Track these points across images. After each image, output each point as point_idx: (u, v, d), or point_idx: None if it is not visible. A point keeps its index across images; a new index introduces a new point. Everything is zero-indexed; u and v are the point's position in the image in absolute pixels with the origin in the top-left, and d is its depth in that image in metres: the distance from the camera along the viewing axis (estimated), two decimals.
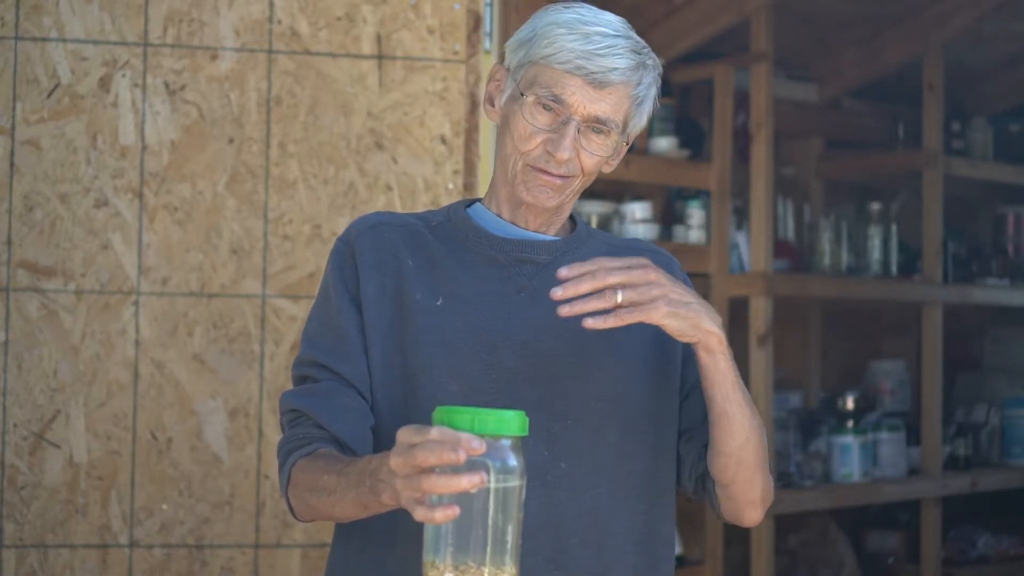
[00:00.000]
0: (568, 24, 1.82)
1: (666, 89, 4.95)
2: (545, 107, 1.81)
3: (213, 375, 2.75)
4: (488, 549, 1.52)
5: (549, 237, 1.91)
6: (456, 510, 1.48)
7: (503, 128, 1.87)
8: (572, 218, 1.98)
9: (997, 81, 5.74)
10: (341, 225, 2.78)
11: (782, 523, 4.69)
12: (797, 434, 4.79)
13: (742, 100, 4.56)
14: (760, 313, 4.41)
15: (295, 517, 1.85)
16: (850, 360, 5.61)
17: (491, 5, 2.88)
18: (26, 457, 2.69)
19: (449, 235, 1.90)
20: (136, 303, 2.73)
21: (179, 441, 2.73)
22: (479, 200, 1.96)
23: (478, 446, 1.47)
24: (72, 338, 2.71)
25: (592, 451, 1.85)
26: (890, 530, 5.37)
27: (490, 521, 1.52)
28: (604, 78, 1.79)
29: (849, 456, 4.77)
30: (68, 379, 2.71)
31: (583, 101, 1.80)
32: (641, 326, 1.83)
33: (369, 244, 1.88)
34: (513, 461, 1.53)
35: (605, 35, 1.81)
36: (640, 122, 1.88)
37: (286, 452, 1.83)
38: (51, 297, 2.71)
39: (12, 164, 2.70)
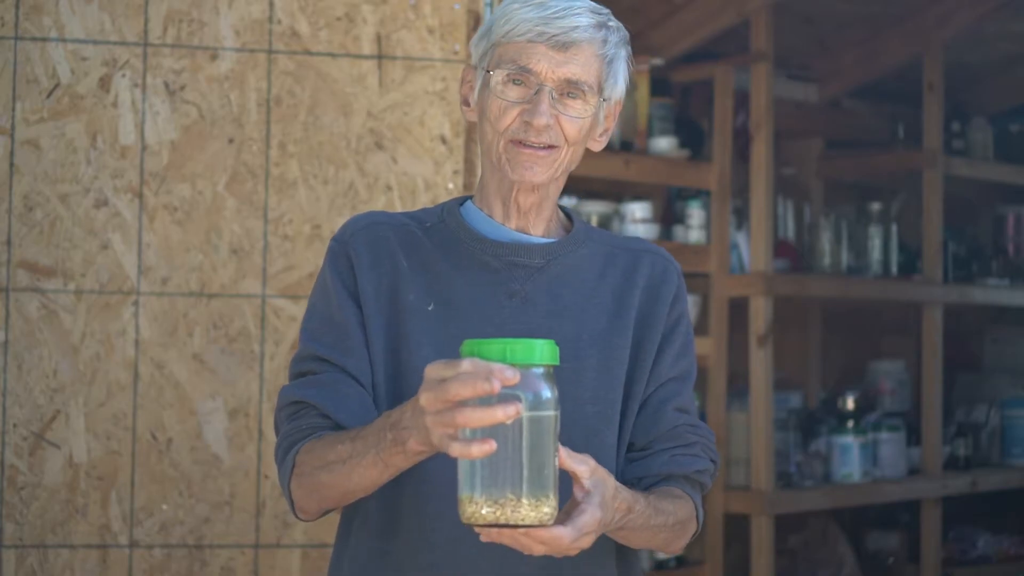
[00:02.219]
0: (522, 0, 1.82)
1: (666, 89, 4.94)
2: (515, 81, 1.80)
3: (213, 375, 2.75)
4: (525, 480, 1.50)
5: (543, 240, 1.89)
6: (493, 444, 1.45)
7: (481, 119, 1.85)
8: (571, 217, 1.96)
9: (997, 81, 5.74)
10: (341, 225, 2.78)
11: (782, 523, 4.69)
12: (797, 434, 4.79)
13: (742, 100, 4.56)
14: (760, 313, 4.41)
15: (296, 514, 1.83)
16: (850, 360, 5.61)
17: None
18: (26, 457, 2.69)
19: (442, 237, 1.89)
20: (136, 303, 2.73)
21: (179, 441, 2.73)
22: (471, 198, 1.94)
23: (512, 376, 1.45)
24: (72, 338, 2.71)
25: (588, 454, 1.84)
26: (890, 530, 5.37)
27: (525, 452, 1.49)
28: (567, 38, 1.78)
29: (849, 456, 4.77)
30: (68, 379, 2.71)
31: (550, 67, 1.78)
32: (627, 332, 1.83)
33: (364, 243, 1.87)
34: (546, 391, 1.51)
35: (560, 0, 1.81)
36: (616, 85, 1.85)
37: (288, 445, 1.80)
38: (51, 297, 2.71)
39: (12, 164, 2.70)
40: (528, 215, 1.88)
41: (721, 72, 4.48)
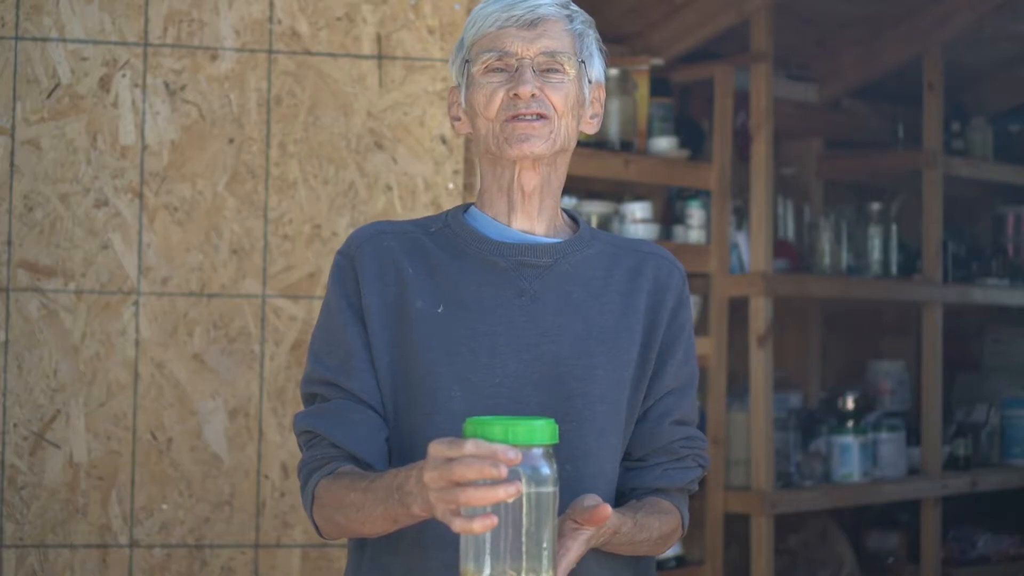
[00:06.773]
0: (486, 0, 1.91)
1: (666, 89, 4.94)
2: (495, 69, 1.86)
3: (213, 375, 2.75)
4: (524, 556, 1.54)
5: (550, 239, 1.90)
6: (495, 520, 1.50)
7: (472, 119, 1.90)
8: (575, 219, 1.97)
9: (997, 81, 5.74)
10: (341, 225, 2.78)
11: (782, 523, 4.69)
12: (797, 434, 4.79)
13: (742, 100, 4.56)
14: (760, 313, 4.41)
15: (321, 536, 1.86)
16: (850, 360, 5.61)
17: None
18: (26, 457, 2.70)
19: (448, 241, 1.90)
20: (136, 303, 2.73)
21: (179, 441, 2.74)
22: (473, 204, 1.96)
23: (514, 456, 1.50)
24: (72, 338, 2.71)
25: (597, 454, 1.85)
26: (890, 530, 5.36)
27: (525, 528, 1.54)
28: (533, 15, 1.86)
29: (849, 456, 4.77)
30: (68, 379, 2.71)
31: (524, 45, 1.85)
32: (634, 335, 1.84)
33: (369, 255, 1.89)
34: (546, 469, 1.56)
35: None
36: (593, 61, 1.92)
37: (307, 473, 1.85)
38: (51, 297, 2.71)
39: (12, 164, 2.71)
40: (531, 203, 1.89)
41: (721, 72, 4.48)
